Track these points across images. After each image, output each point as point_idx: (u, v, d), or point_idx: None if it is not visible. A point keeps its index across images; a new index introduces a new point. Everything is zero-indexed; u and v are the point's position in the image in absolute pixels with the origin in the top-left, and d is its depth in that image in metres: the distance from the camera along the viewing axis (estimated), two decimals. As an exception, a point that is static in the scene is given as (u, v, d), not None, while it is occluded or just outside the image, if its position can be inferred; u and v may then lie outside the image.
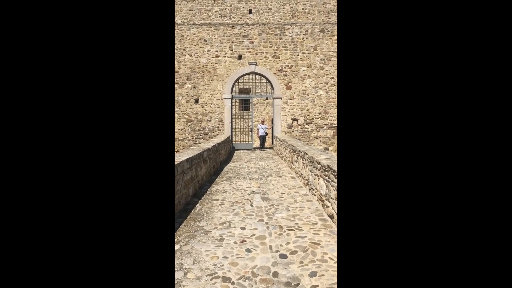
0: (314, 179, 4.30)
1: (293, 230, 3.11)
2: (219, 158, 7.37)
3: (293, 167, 6.43)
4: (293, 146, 6.47)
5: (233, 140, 11.77)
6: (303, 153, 5.33)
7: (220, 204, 4.10)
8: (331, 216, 3.42)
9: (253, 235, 2.99)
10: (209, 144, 6.67)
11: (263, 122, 11.85)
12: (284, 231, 3.07)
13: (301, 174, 5.43)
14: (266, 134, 11.77)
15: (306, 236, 2.93)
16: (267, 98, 16.81)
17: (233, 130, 11.84)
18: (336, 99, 11.39)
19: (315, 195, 4.25)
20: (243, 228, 3.17)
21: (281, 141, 8.91)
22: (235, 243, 2.80)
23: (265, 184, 5.33)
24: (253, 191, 4.83)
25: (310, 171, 4.60)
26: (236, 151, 11.11)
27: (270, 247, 2.70)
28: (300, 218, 3.48)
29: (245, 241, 2.85)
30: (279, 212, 3.73)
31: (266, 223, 3.34)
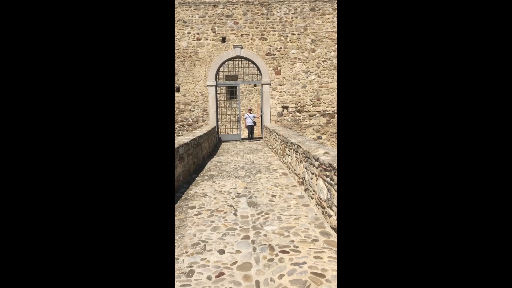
0: (311, 179, 3.54)
1: (288, 252, 2.35)
2: (201, 152, 6.53)
3: (284, 161, 5.67)
4: (284, 138, 5.69)
5: (219, 131, 10.91)
6: (296, 146, 4.56)
7: (196, 214, 3.31)
8: (335, 229, 2.68)
9: (235, 262, 2.23)
10: (188, 137, 5.81)
11: (250, 111, 11.00)
12: (276, 255, 2.31)
13: (294, 170, 4.68)
14: (255, 123, 10.94)
15: (305, 263, 2.18)
16: (255, 85, 15.90)
17: (219, 120, 10.96)
18: (328, 84, 10.61)
19: (312, 198, 3.50)
20: (221, 252, 2.40)
21: (270, 131, 8.12)
22: (209, 278, 2.03)
23: (253, 184, 4.56)
24: (239, 193, 4.05)
25: (306, 168, 3.84)
26: (223, 143, 10.27)
27: (257, 283, 1.95)
28: (295, 232, 2.73)
29: (223, 274, 2.08)
30: (269, 223, 2.98)
31: (253, 241, 2.58)
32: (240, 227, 2.91)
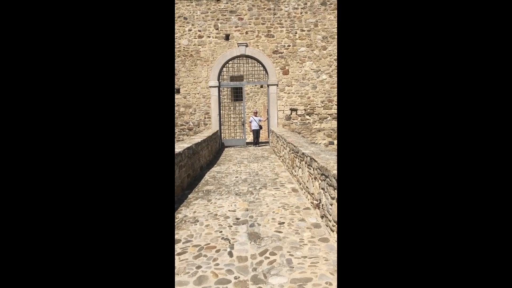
0: (331, 205, 2.71)
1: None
2: (199, 162, 5.75)
3: (294, 173, 4.84)
4: (294, 146, 4.86)
5: (222, 135, 10.14)
6: (308, 158, 3.74)
7: (179, 253, 2.51)
8: None
9: None
10: (182, 145, 5.04)
11: (256, 113, 10.21)
12: None
13: (306, 188, 3.85)
14: (261, 127, 10.14)
15: None
16: (261, 86, 15.11)
17: (222, 124, 10.20)
18: (341, 85, 9.73)
19: (333, 231, 2.67)
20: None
21: (278, 136, 7.30)
22: None
23: (256, 204, 3.74)
24: (238, 219, 3.24)
25: (323, 189, 3.01)
26: (226, 149, 9.50)
27: None
28: (313, 292, 1.90)
29: None
30: (276, 271, 2.16)
31: (252, 308, 1.76)
32: (235, 277, 2.10)
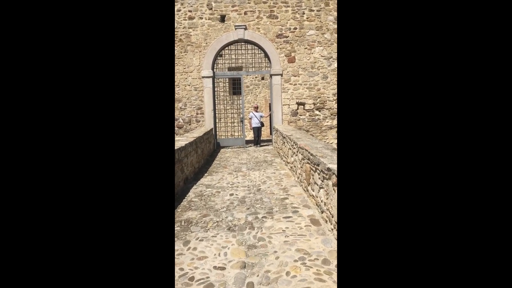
0: None
1: None
2: (181, 174, 4.38)
3: (311, 193, 3.47)
4: (309, 154, 3.48)
5: (218, 134, 8.76)
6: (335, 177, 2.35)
7: None
8: None
9: None
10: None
11: (256, 108, 8.84)
12: None
13: (336, 223, 2.47)
14: (262, 124, 8.76)
15: None
16: (263, 78, 13.67)
17: (218, 121, 8.81)
18: (357, 74, 8.32)
19: None
20: None
21: (284, 137, 5.91)
22: None
23: (259, 252, 2.37)
24: (228, 291, 1.88)
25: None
26: (222, 150, 8.13)
27: None
28: None
29: None
30: None
31: None
32: None
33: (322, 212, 2.97)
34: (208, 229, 2.85)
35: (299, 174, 4.24)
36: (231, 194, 3.96)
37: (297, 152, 4.44)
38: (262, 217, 3.09)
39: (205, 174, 5.23)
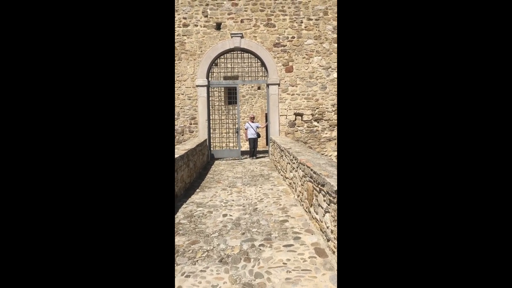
0: None
1: None
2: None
3: (314, 216, 3.10)
4: (312, 171, 3.12)
5: (212, 145, 8.38)
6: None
7: None
8: None
9: None
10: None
11: (252, 119, 8.51)
12: None
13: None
14: (258, 135, 8.41)
15: None
16: (259, 88, 13.42)
17: (213, 131, 8.45)
18: (356, 85, 8.08)
19: None
20: None
21: (282, 150, 5.56)
22: None
23: (255, 294, 1.98)
24: None
25: None
26: (216, 162, 7.74)
27: None
28: None
29: None
30: None
31: None
32: None
33: (328, 240, 2.60)
34: (197, 260, 2.45)
35: (300, 192, 3.87)
36: (225, 215, 3.57)
37: (297, 167, 4.09)
38: (259, 245, 2.70)
39: (197, 190, 4.83)
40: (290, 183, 4.65)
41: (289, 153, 4.80)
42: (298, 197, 4.01)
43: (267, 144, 12.01)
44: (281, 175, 5.64)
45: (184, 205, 4.00)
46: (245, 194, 4.54)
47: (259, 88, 13.40)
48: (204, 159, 7.26)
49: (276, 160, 6.48)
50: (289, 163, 4.77)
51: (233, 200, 4.19)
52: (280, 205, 3.93)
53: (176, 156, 4.38)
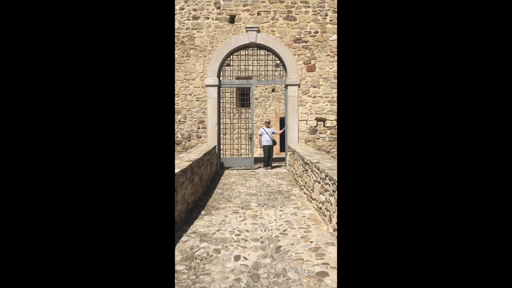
0: None
1: None
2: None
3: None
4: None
5: (222, 153, 7.46)
6: None
7: None
8: None
9: None
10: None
11: (268, 123, 7.55)
12: None
13: None
14: (274, 142, 7.45)
15: None
16: (273, 90, 12.48)
17: (223, 136, 7.54)
18: (388, 87, 7.04)
19: None
20: None
21: (306, 164, 4.57)
22: None
23: None
24: None
25: None
26: (225, 172, 6.81)
27: None
28: None
29: None
30: None
31: None
32: None
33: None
34: None
35: (337, 224, 2.87)
36: (237, 258, 2.61)
37: (332, 192, 3.10)
38: (292, 327, 1.72)
39: (202, 212, 3.90)
40: (320, 208, 3.66)
41: (318, 168, 3.81)
42: (334, 230, 3.01)
43: (281, 150, 11.02)
44: (305, 193, 4.65)
45: (183, 237, 3.06)
46: (262, 220, 3.58)
47: (273, 90, 12.47)
48: (213, 169, 6.34)
49: (297, 174, 5.49)
50: (318, 182, 3.78)
51: (247, 231, 3.23)
52: (311, 242, 2.94)
53: (177, 170, 3.47)
